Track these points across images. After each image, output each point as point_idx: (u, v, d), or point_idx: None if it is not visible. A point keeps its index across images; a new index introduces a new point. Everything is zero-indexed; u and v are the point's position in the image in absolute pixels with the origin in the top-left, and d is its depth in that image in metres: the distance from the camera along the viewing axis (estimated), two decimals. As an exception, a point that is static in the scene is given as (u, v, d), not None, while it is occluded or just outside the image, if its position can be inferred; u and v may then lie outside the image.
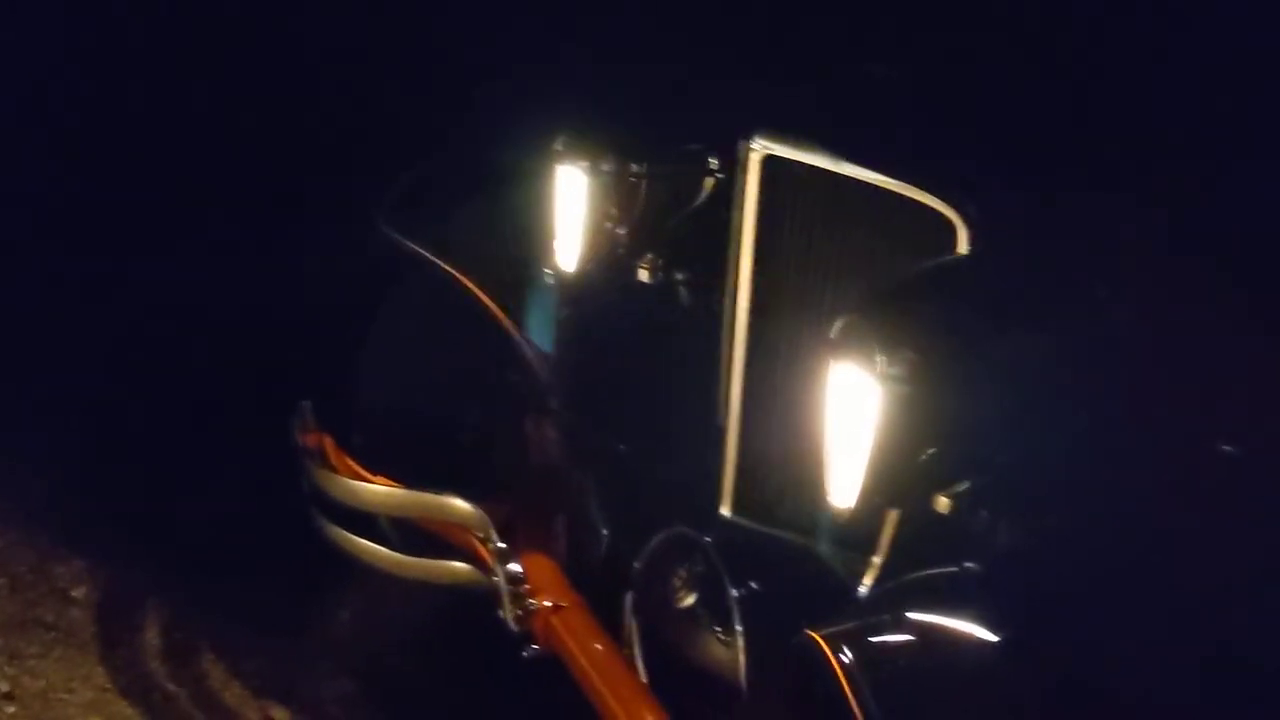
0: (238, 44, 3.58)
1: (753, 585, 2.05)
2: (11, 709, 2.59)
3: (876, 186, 1.91)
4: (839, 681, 1.55)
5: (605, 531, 2.37)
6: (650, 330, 2.41)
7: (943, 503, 1.73)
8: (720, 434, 2.21)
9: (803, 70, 2.16)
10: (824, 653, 1.59)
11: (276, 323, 3.23)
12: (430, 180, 2.79)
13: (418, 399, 2.66)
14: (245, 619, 2.83)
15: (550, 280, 2.45)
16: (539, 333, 2.50)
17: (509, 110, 2.67)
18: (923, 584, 1.74)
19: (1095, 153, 1.93)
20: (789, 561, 2.12)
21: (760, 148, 2.02)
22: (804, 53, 2.22)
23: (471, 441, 2.62)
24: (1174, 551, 1.65)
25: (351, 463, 2.61)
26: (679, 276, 2.40)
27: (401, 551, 2.52)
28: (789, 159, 2.00)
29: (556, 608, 2.28)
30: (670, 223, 2.35)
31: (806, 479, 2.02)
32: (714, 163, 2.27)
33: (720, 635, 2.11)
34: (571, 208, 2.38)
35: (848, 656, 1.57)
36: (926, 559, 1.80)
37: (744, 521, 2.21)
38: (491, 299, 2.51)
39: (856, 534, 1.94)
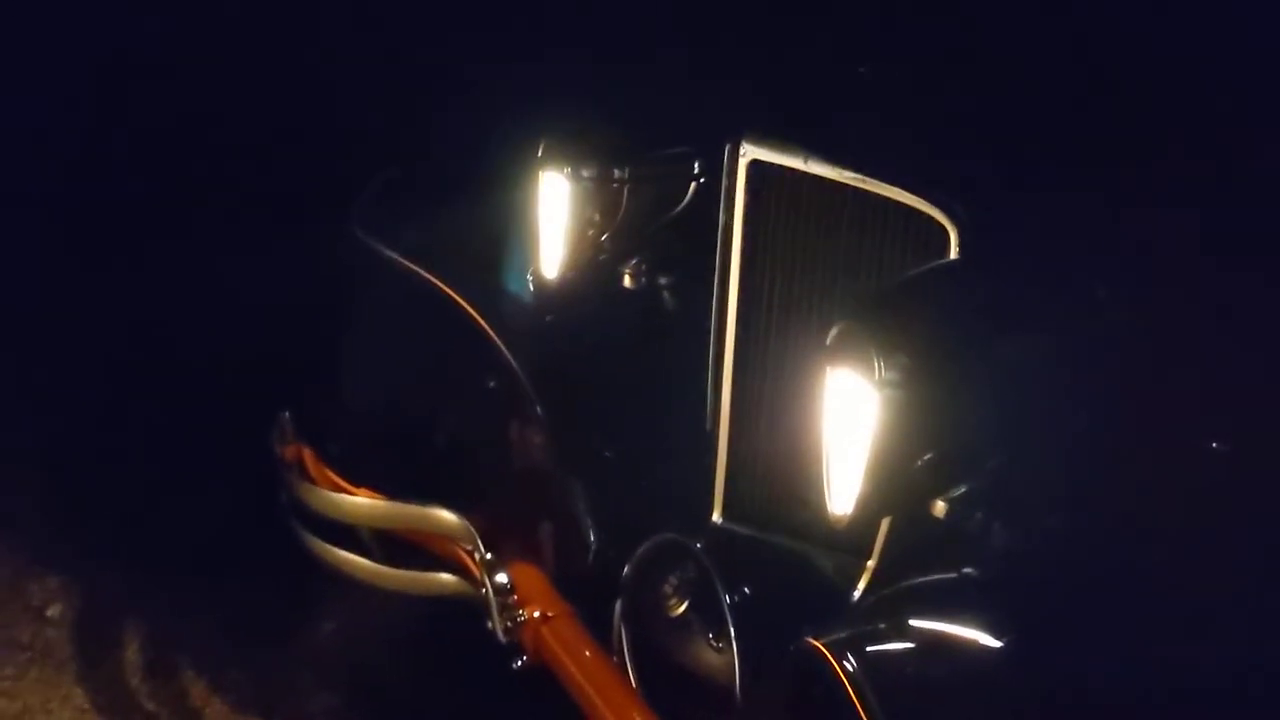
0: (215, 47, 3.54)
1: (746, 591, 2.04)
2: (-11, 732, 2.56)
3: (865, 190, 1.91)
4: (845, 690, 1.54)
5: (593, 539, 2.35)
6: (635, 335, 2.40)
7: (939, 507, 1.73)
8: (711, 439, 2.20)
9: (789, 73, 2.15)
10: (828, 661, 1.58)
11: (253, 332, 3.19)
12: (408, 186, 2.77)
13: (398, 408, 2.63)
14: (226, 634, 2.79)
15: (533, 286, 2.43)
16: (522, 339, 2.47)
17: (490, 115, 2.65)
18: (922, 590, 1.74)
19: (1086, 153, 1.93)
20: (782, 567, 2.12)
21: (748, 151, 2.01)
22: (790, 55, 2.21)
23: (454, 450, 2.60)
24: (1173, 553, 1.65)
25: (332, 474, 2.58)
26: (663, 281, 2.39)
27: (385, 563, 2.50)
28: (776, 163, 1.99)
29: (546, 618, 2.26)
30: (654, 228, 2.35)
31: (798, 484, 2.02)
32: (698, 167, 2.26)
33: (713, 642, 2.10)
34: (554, 213, 2.36)
35: (852, 664, 1.56)
36: (923, 564, 1.80)
37: (735, 527, 2.21)
38: (473, 306, 2.49)
39: (850, 539, 1.94)
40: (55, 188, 3.60)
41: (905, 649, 1.65)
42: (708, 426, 2.20)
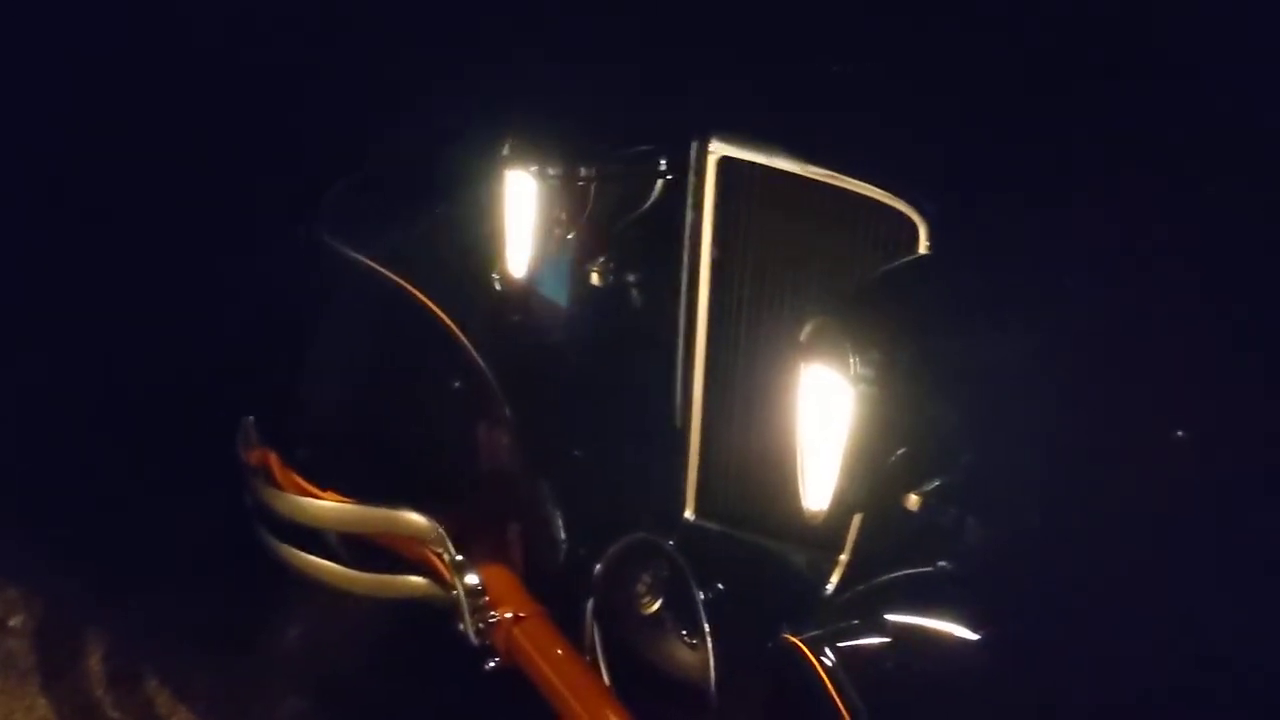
0: (177, 50, 3.49)
1: (719, 588, 2.04)
2: (-49, 746, 2.51)
3: (835, 185, 1.91)
4: (823, 685, 1.55)
5: (564, 539, 2.35)
6: (603, 334, 2.40)
7: (913, 501, 1.74)
8: (682, 437, 2.20)
9: (757, 70, 2.15)
10: (805, 657, 1.58)
11: (218, 337, 3.16)
12: (372, 187, 2.75)
13: (365, 411, 2.61)
14: (192, 640, 2.76)
15: (499, 286, 2.42)
16: (489, 340, 2.46)
17: (456, 114, 2.63)
18: (897, 584, 1.74)
19: (1054, 148, 1.95)
20: (755, 563, 2.12)
21: (717, 148, 2.01)
22: (759, 52, 2.21)
23: (422, 452, 2.58)
24: (1145, 546, 1.67)
25: (298, 478, 2.56)
26: (631, 279, 2.38)
27: (354, 567, 2.48)
28: (746, 160, 1.99)
29: (518, 618, 2.25)
30: (621, 226, 2.34)
31: (771, 480, 2.02)
32: (664, 164, 2.26)
33: (687, 640, 2.10)
34: (520, 212, 2.35)
35: (830, 660, 1.57)
36: (897, 559, 1.81)
37: (708, 524, 2.21)
38: (439, 306, 2.47)
39: (823, 534, 1.94)
40: (12, 191, 3.54)
41: (882, 643, 1.65)
42: (678, 424, 2.20)
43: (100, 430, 3.20)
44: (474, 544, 2.34)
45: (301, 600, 2.75)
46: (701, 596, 2.01)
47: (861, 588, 1.83)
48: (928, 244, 1.82)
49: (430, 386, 2.56)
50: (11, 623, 2.82)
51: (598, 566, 2.18)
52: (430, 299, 2.48)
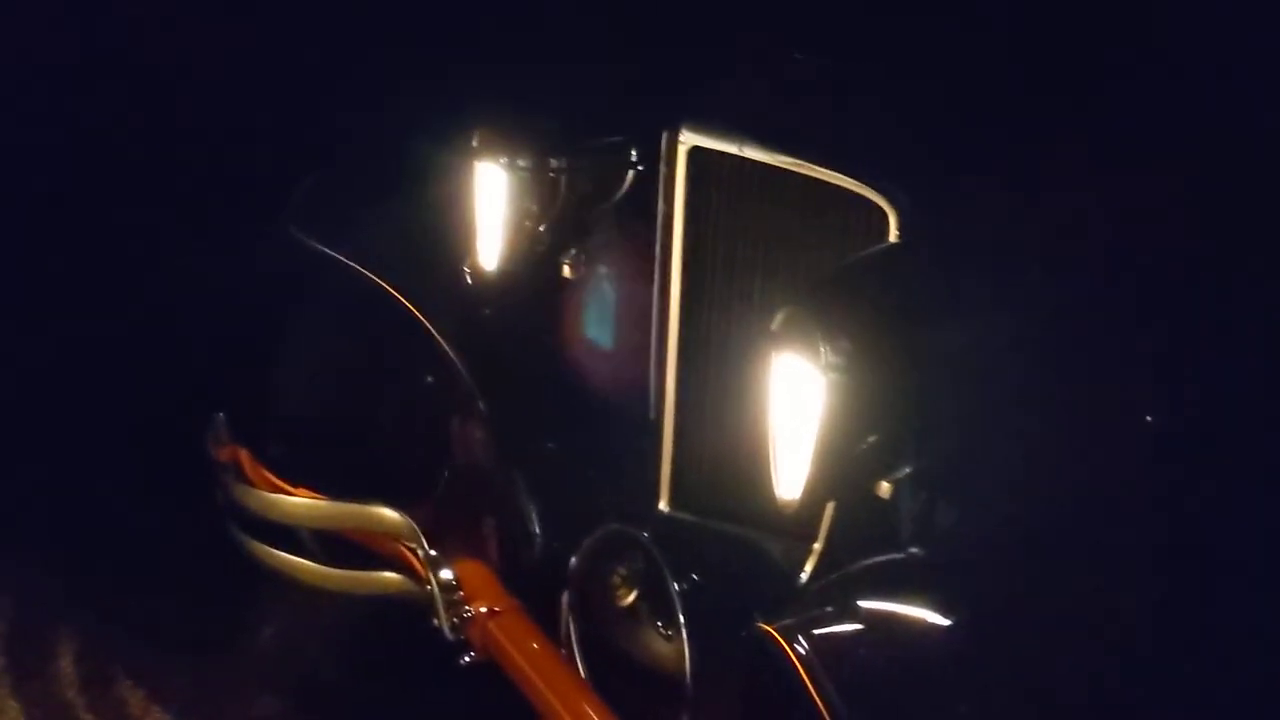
0: (144, 42, 3.46)
1: (694, 579, 2.04)
2: (-80, 751, 2.49)
3: (805, 175, 1.91)
4: (798, 674, 1.55)
5: (538, 532, 2.34)
6: (576, 326, 2.39)
7: (885, 489, 1.74)
8: (655, 429, 2.19)
9: (727, 60, 2.14)
10: (779, 645, 1.58)
11: (187, 334, 3.13)
12: (341, 181, 2.73)
13: (336, 406, 2.60)
14: (164, 641, 2.75)
15: (471, 279, 2.41)
16: (461, 333, 2.45)
17: (424, 107, 2.62)
18: (870, 571, 1.75)
19: (1023, 136, 1.95)
20: (729, 553, 2.12)
21: (687, 139, 2.01)
22: (727, 42, 2.21)
23: (395, 447, 2.57)
24: (1116, 531, 1.68)
25: (270, 475, 2.54)
26: (602, 271, 2.38)
27: (327, 564, 2.46)
28: (716, 150, 1.99)
29: (493, 613, 2.24)
30: (592, 217, 2.33)
31: (744, 470, 2.02)
32: (635, 155, 2.25)
33: (663, 631, 2.10)
34: (490, 205, 2.34)
35: (804, 647, 1.57)
36: (870, 546, 1.82)
37: (682, 515, 2.21)
38: (410, 300, 2.46)
39: (796, 523, 1.95)
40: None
41: (855, 630, 1.66)
42: (651, 415, 2.20)
43: (70, 430, 3.18)
44: (448, 539, 2.34)
45: (275, 599, 2.74)
46: (676, 588, 2.01)
47: (835, 576, 1.83)
48: (898, 233, 1.82)
49: (402, 381, 2.55)
50: (-19, 625, 2.80)
51: (573, 559, 2.17)
52: (402, 293, 2.46)
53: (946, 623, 1.61)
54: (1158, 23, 2.02)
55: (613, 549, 2.16)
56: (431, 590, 2.27)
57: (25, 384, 3.28)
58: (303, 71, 3.31)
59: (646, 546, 2.08)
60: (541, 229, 2.34)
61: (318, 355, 2.66)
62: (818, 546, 1.96)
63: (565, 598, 2.18)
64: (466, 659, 2.25)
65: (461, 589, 2.27)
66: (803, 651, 1.56)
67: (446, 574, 2.28)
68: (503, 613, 2.24)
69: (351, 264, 2.52)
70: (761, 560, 2.07)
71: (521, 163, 2.29)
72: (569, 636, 2.17)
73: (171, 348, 3.14)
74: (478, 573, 2.31)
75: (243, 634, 2.79)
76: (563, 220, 2.34)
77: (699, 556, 2.08)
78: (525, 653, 2.17)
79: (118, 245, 3.43)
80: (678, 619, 2.00)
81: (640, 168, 2.25)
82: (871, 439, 1.66)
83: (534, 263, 2.37)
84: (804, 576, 1.97)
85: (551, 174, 2.31)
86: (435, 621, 2.27)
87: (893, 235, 1.83)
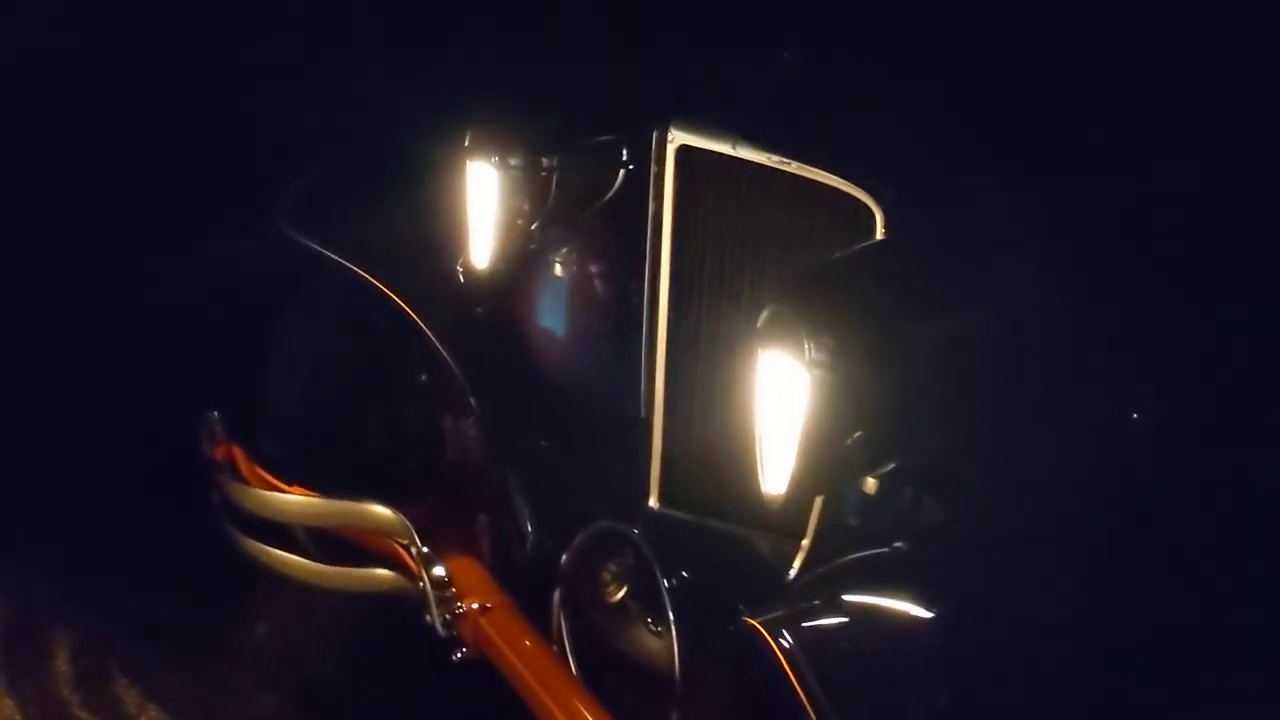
0: (134, 44, 3.48)
1: (683, 575, 2.05)
2: (-85, 748, 2.50)
3: (792, 173, 1.92)
4: (781, 666, 1.56)
5: (530, 529, 2.35)
6: (568, 324, 2.40)
7: (870, 484, 1.75)
8: (645, 426, 2.20)
9: (715, 58, 2.16)
10: (764, 639, 1.59)
11: (182, 332, 3.14)
12: (333, 179, 2.74)
13: (330, 404, 2.61)
14: (158, 639, 2.75)
15: (463, 278, 2.42)
16: (454, 331, 2.46)
17: (417, 106, 2.63)
18: (855, 566, 1.76)
19: (1007, 136, 1.96)
20: (718, 550, 2.13)
21: (675, 138, 2.02)
22: (716, 41, 2.22)
23: (388, 445, 2.59)
24: (1096, 524, 1.69)
25: (264, 473, 2.55)
26: (594, 269, 2.39)
27: (321, 561, 2.48)
28: (704, 148, 2.00)
29: (484, 609, 2.25)
30: (584, 216, 2.35)
31: (732, 467, 2.03)
32: (625, 154, 2.26)
33: (652, 627, 2.12)
34: (482, 203, 2.35)
35: (788, 641, 1.58)
36: (856, 540, 1.83)
37: (671, 512, 2.22)
38: (403, 299, 2.47)
39: (784, 519, 1.96)
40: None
41: (840, 623, 1.67)
42: (642, 414, 2.21)
43: (65, 428, 3.18)
44: (441, 536, 2.35)
45: (269, 597, 2.74)
46: (666, 584, 2.02)
47: (820, 570, 1.84)
48: (883, 230, 1.83)
49: (396, 379, 2.56)
50: (-23, 623, 2.81)
51: (564, 556, 2.18)
52: (394, 292, 2.48)
53: (928, 615, 1.62)
54: (1138, 19, 2.03)
55: (603, 546, 2.17)
56: (424, 586, 2.28)
57: (19, 384, 3.28)
58: (299, 71, 3.33)
59: (636, 543, 2.09)
60: (533, 228, 2.36)
61: (311, 354, 2.67)
62: (806, 543, 1.97)
63: (556, 594, 2.19)
64: (458, 655, 2.26)
65: (454, 585, 2.28)
66: (786, 645, 1.57)
67: (439, 570, 2.29)
68: (494, 609, 2.25)
69: (344, 262, 2.53)
70: (750, 556, 2.09)
71: (514, 162, 2.31)
72: (560, 632, 2.18)
73: (168, 348, 3.15)
74: (470, 569, 2.33)
75: (239, 632, 2.80)
76: (555, 219, 2.36)
77: (688, 553, 2.09)
78: (516, 648, 2.19)
79: (115, 245, 3.44)
80: (667, 615, 2.00)
81: (631, 167, 2.26)
82: (856, 435, 1.67)
83: (526, 261, 2.39)
84: (793, 573, 1.98)
85: (543, 173, 2.32)
86: (428, 618, 2.28)
87: (879, 233, 1.84)
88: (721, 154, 1.99)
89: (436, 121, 2.42)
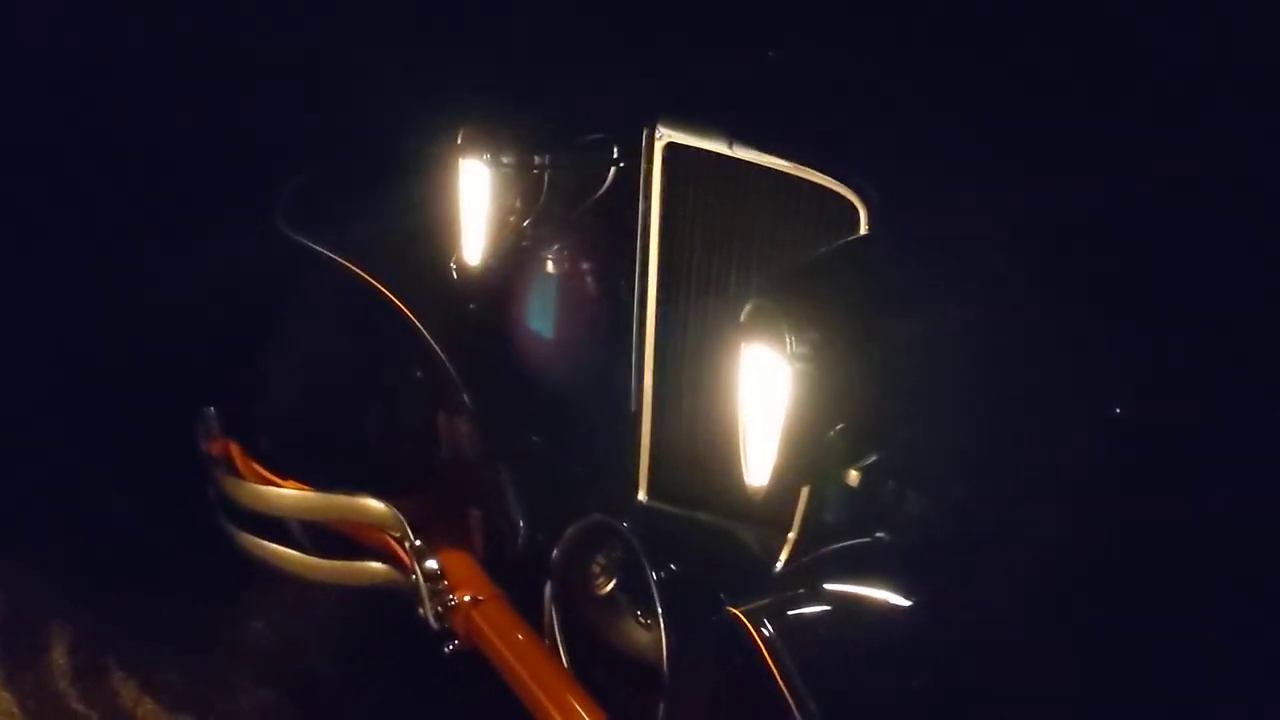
0: (128, 44, 3.50)
1: (672, 567, 2.07)
2: (-88, 741, 2.52)
3: (778, 170, 1.94)
4: (762, 655, 1.58)
5: (521, 523, 2.38)
6: (559, 321, 2.42)
7: (853, 476, 1.77)
8: (633, 421, 2.22)
9: (703, 57, 2.18)
10: (745, 628, 1.61)
11: (178, 328, 3.16)
12: (329, 178, 2.76)
13: (325, 400, 2.63)
14: (155, 633, 2.77)
15: (456, 275, 2.44)
16: (447, 328, 2.48)
17: (409, 104, 2.65)
18: (837, 556, 1.78)
19: (989, 133, 1.98)
20: (706, 542, 2.15)
21: (663, 135, 2.04)
22: (703, 39, 2.24)
23: (382, 440, 2.61)
24: (1076, 516, 1.70)
25: (259, 468, 2.58)
26: (586, 267, 2.41)
27: (315, 555, 2.50)
28: (692, 145, 2.02)
29: (476, 602, 2.28)
30: (576, 213, 2.36)
31: (719, 460, 2.05)
32: (617, 151, 2.28)
33: (641, 619, 2.14)
34: (474, 201, 2.37)
35: (769, 630, 1.60)
36: (840, 532, 1.85)
37: (660, 506, 2.24)
38: (397, 296, 2.49)
39: (771, 512, 1.98)
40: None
41: (821, 612, 1.69)
42: (631, 408, 2.23)
43: (62, 423, 3.20)
44: (434, 530, 2.37)
45: (265, 592, 2.77)
46: (654, 576, 2.04)
47: (804, 560, 1.86)
48: (867, 227, 1.85)
49: (389, 375, 2.58)
50: (-26, 616, 2.83)
51: (555, 550, 2.20)
52: (388, 288, 2.50)
53: (908, 604, 1.64)
54: (1118, 17, 2.05)
55: (594, 539, 2.20)
56: (417, 580, 2.31)
57: (16, 379, 3.30)
58: (294, 71, 3.34)
59: (626, 536, 2.12)
60: (525, 225, 2.38)
61: (306, 350, 2.69)
62: (792, 534, 1.99)
63: (548, 587, 2.21)
64: (450, 647, 2.28)
65: (446, 578, 2.31)
66: (767, 633, 1.59)
67: (431, 564, 2.32)
68: (486, 601, 2.28)
69: (339, 260, 2.55)
70: (737, 548, 2.11)
71: (506, 159, 2.32)
72: (551, 625, 2.20)
73: (164, 344, 3.16)
74: (462, 563, 2.35)
75: (235, 626, 2.82)
76: (547, 216, 2.38)
77: (676, 546, 2.11)
78: (508, 641, 2.21)
79: (113, 244, 3.47)
80: (655, 608, 2.03)
81: (622, 164, 2.28)
82: (839, 427, 1.69)
83: (518, 258, 2.41)
84: (779, 565, 2.00)
85: (535, 170, 2.34)
86: (420, 611, 2.30)
87: (863, 229, 1.86)
88: (709, 151, 2.01)
89: (429, 120, 2.44)
